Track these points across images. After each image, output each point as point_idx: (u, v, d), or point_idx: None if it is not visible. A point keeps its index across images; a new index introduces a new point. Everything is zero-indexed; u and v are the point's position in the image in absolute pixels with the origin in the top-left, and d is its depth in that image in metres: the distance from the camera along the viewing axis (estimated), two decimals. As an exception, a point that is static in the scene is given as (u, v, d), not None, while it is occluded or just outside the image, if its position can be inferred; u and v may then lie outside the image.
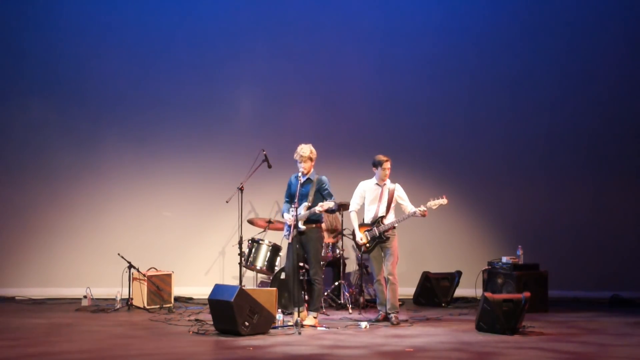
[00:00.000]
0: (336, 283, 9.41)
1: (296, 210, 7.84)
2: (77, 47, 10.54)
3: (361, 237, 8.16)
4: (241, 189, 8.71)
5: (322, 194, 8.00)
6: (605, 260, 10.22)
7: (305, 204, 7.92)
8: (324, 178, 8.05)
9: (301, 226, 7.91)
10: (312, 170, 8.03)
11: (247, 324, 7.19)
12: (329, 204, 7.75)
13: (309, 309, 7.97)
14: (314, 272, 7.96)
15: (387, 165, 8.15)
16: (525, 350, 6.57)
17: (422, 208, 8.03)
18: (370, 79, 10.68)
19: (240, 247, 8.55)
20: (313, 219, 7.98)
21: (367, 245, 8.17)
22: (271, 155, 9.11)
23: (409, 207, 8.21)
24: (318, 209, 7.80)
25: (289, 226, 7.92)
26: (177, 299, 9.66)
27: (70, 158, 10.45)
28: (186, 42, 10.61)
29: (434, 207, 8.05)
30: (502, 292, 8.80)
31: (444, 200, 8.03)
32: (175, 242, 10.33)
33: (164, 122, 10.55)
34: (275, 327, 7.56)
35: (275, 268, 9.12)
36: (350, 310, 8.82)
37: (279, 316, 7.82)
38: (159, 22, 10.62)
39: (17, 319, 8.45)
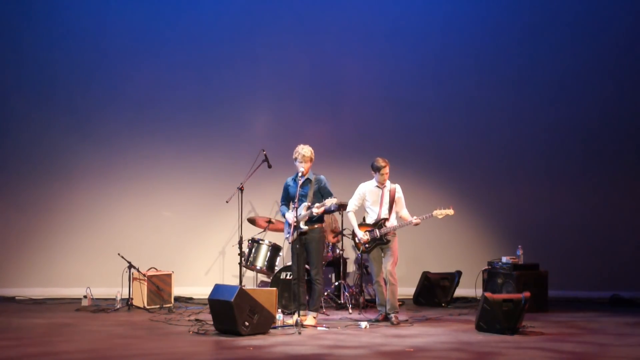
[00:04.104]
0: (336, 283, 9.42)
1: (296, 211, 7.83)
2: (78, 48, 10.55)
3: (363, 233, 8.15)
4: (241, 189, 8.71)
5: (322, 194, 8.00)
6: (605, 260, 10.22)
7: (305, 204, 7.92)
8: (322, 177, 8.05)
9: (303, 226, 7.90)
10: (309, 170, 8.02)
11: (247, 324, 7.19)
12: (330, 200, 7.74)
13: (308, 309, 7.97)
14: (315, 273, 7.96)
15: (385, 170, 8.14)
16: (525, 350, 6.57)
17: (417, 220, 8.04)
18: (371, 79, 10.69)
19: (240, 247, 8.55)
20: (315, 219, 7.97)
21: (367, 245, 8.16)
22: (271, 155, 9.12)
23: (402, 211, 8.22)
24: (315, 210, 7.80)
25: (290, 227, 7.91)
26: (177, 299, 9.67)
27: (70, 158, 10.45)
28: (186, 41, 10.60)
29: (440, 217, 8.05)
30: (502, 292, 8.80)
31: (450, 211, 8.03)
32: (175, 242, 10.34)
33: (164, 122, 10.56)
34: (275, 327, 7.56)
35: (275, 268, 9.13)
36: (350, 310, 8.82)
37: (279, 316, 7.82)
38: (160, 22, 10.62)
39: (17, 319, 8.45)
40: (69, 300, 9.88)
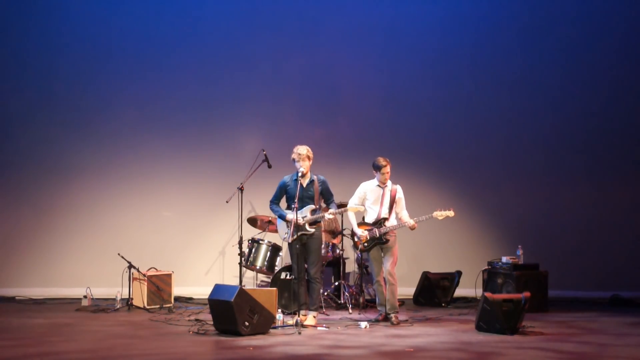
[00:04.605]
0: (336, 283, 9.42)
1: (296, 212, 7.82)
2: (78, 48, 10.55)
3: (362, 231, 8.15)
4: (241, 189, 8.71)
5: (324, 195, 8.01)
6: (605, 260, 10.22)
7: (311, 206, 7.92)
8: (324, 178, 8.06)
9: (309, 229, 7.90)
10: (309, 170, 8.02)
11: (247, 324, 7.19)
12: (356, 208, 7.89)
13: (309, 308, 7.96)
14: (315, 271, 7.95)
15: (386, 170, 8.13)
16: (525, 350, 6.57)
17: (413, 223, 8.04)
18: (371, 79, 10.69)
19: (240, 247, 8.55)
20: (316, 220, 7.99)
21: (366, 244, 8.16)
22: (271, 155, 9.12)
23: (402, 212, 8.21)
24: (329, 216, 7.83)
25: (289, 228, 7.89)
26: (177, 299, 9.67)
27: (71, 158, 10.45)
28: (186, 41, 10.61)
29: (440, 218, 8.05)
30: (502, 292, 8.80)
31: (450, 213, 8.03)
32: (175, 242, 10.34)
33: (164, 121, 10.56)
34: (275, 327, 7.56)
35: (275, 268, 9.13)
36: (350, 310, 8.82)
37: (279, 316, 7.82)
38: (160, 24, 10.63)
39: (17, 319, 8.45)
40: (69, 300, 9.88)
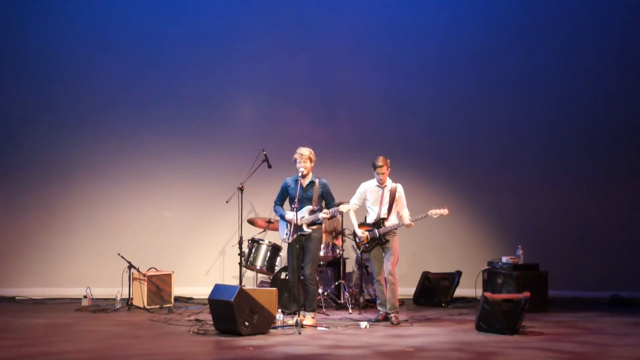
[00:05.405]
0: (336, 283, 9.42)
1: (296, 212, 7.82)
2: (75, 47, 10.56)
3: (362, 231, 8.15)
4: (241, 189, 8.71)
5: (324, 198, 8.01)
6: (605, 260, 10.22)
7: (309, 207, 7.92)
8: (326, 181, 8.05)
9: (306, 229, 7.90)
10: (311, 172, 8.01)
11: (247, 324, 7.19)
12: (346, 207, 7.86)
13: (305, 310, 7.94)
14: (310, 273, 7.91)
15: (382, 170, 8.11)
16: (525, 350, 6.57)
17: (408, 222, 8.03)
18: (371, 79, 10.70)
19: (240, 247, 8.55)
20: (315, 221, 7.98)
21: (367, 245, 8.16)
22: (271, 156, 9.12)
23: (402, 211, 8.20)
24: (323, 215, 7.83)
25: (288, 228, 7.90)
26: (177, 299, 9.67)
27: (70, 158, 10.45)
28: (186, 41, 10.62)
29: (435, 216, 8.05)
30: (502, 292, 8.80)
31: (445, 211, 8.03)
32: (175, 242, 10.34)
33: (164, 121, 10.56)
34: (275, 327, 7.56)
35: (275, 268, 9.13)
36: (350, 310, 8.82)
37: (279, 316, 7.82)
38: (158, 22, 10.64)
39: (17, 319, 8.45)
40: (69, 300, 9.88)
